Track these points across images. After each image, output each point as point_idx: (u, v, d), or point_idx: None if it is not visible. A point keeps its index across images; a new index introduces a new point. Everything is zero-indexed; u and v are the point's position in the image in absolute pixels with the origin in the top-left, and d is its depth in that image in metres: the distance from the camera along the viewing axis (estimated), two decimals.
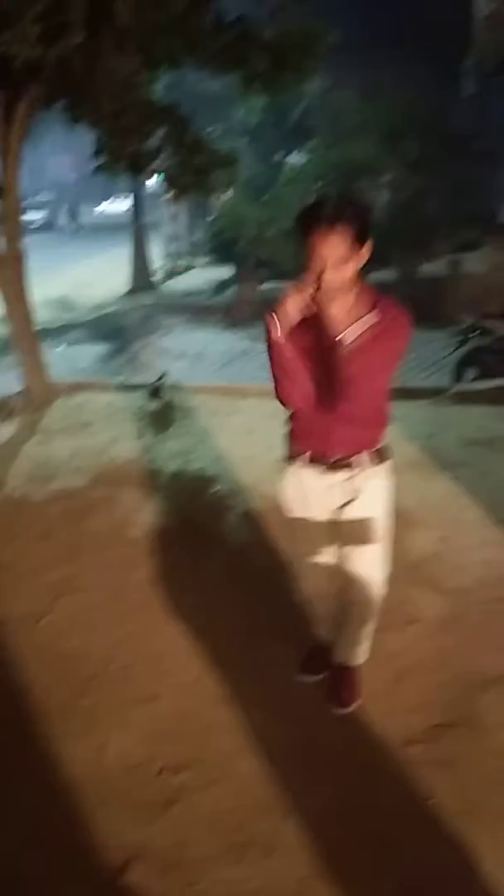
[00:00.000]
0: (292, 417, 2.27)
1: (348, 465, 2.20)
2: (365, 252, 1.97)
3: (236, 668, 2.65)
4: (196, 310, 12.88)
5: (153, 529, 3.72)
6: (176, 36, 4.84)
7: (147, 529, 3.72)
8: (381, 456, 2.24)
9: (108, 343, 10.98)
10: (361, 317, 2.01)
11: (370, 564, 2.32)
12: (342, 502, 2.24)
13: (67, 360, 9.77)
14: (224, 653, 2.74)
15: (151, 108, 5.16)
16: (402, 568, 3.24)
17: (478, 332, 6.52)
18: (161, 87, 8.19)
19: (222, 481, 4.25)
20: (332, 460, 2.20)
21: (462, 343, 6.69)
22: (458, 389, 5.85)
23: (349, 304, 2.03)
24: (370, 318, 2.00)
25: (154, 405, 5.24)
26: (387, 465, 2.27)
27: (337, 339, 2.01)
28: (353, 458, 2.19)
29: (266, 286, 11.80)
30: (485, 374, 6.34)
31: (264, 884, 1.87)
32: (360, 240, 1.92)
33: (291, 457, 2.29)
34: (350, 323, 2.02)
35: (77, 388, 6.34)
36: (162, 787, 2.18)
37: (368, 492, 2.23)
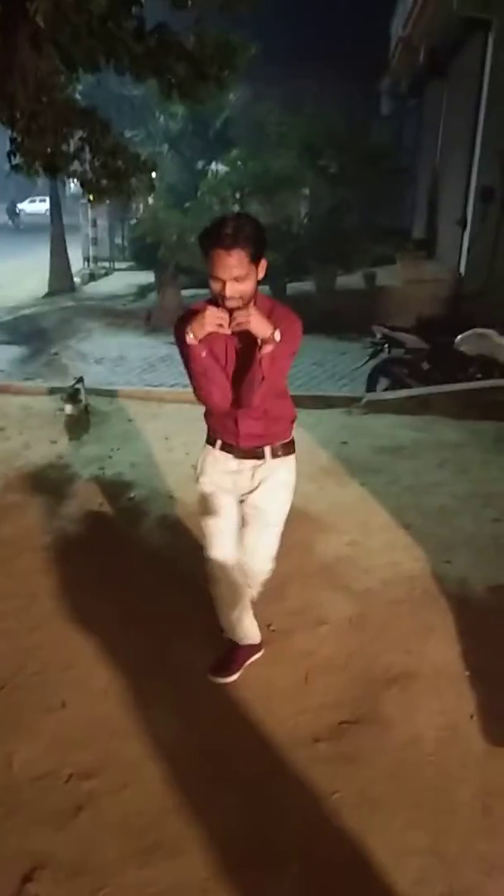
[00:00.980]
0: (207, 412, 2.49)
1: (256, 456, 2.45)
2: (261, 269, 2.18)
3: (147, 674, 2.66)
4: (116, 314, 12.76)
5: (66, 536, 3.68)
6: (95, 39, 4.81)
7: (61, 536, 3.67)
8: (286, 449, 2.50)
9: (24, 345, 10.72)
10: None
11: (264, 545, 2.58)
12: (248, 488, 2.49)
13: None
14: (135, 659, 2.74)
15: (69, 109, 5.09)
16: (314, 571, 3.36)
17: (389, 344, 6.75)
18: (82, 89, 8.11)
19: (139, 487, 4.24)
20: (242, 449, 2.44)
21: (374, 355, 6.91)
22: (370, 399, 6.04)
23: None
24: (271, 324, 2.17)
25: (70, 409, 5.17)
26: (291, 458, 2.53)
27: (253, 342, 2.16)
28: (260, 449, 2.44)
29: (186, 293, 11.82)
30: (395, 385, 6.58)
31: (170, 885, 1.89)
32: (255, 259, 2.13)
33: (208, 441, 2.54)
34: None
35: None
36: (70, 795, 2.16)
37: (272, 480, 2.49)
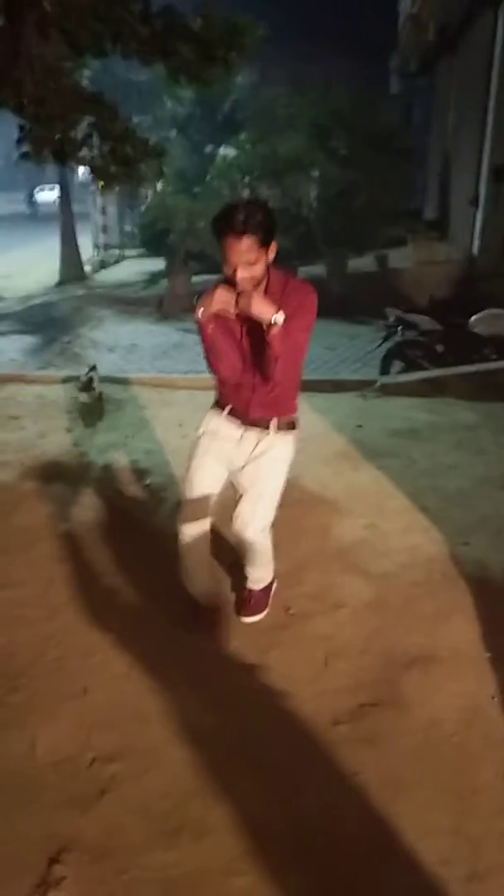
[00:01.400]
0: (219, 381, 2.60)
1: (263, 426, 2.55)
2: (271, 252, 2.28)
3: (167, 659, 2.67)
4: (127, 302, 12.75)
5: (83, 523, 3.69)
6: (102, 23, 4.77)
7: (78, 524, 3.68)
8: (290, 425, 2.60)
9: (37, 334, 10.74)
10: (276, 301, 2.27)
11: (259, 517, 2.61)
12: (246, 457, 2.59)
13: None
14: (154, 644, 2.75)
15: (77, 95, 5.08)
16: (331, 555, 3.36)
17: (402, 326, 6.70)
18: (89, 74, 8.06)
19: (154, 474, 4.25)
20: (251, 418, 2.55)
21: (388, 337, 6.86)
22: (384, 382, 6.01)
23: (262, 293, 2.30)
24: (283, 300, 2.27)
25: (84, 398, 5.17)
26: (292, 434, 2.63)
27: (266, 322, 2.23)
28: (267, 420, 2.54)
29: (197, 278, 11.78)
30: (409, 367, 6.54)
31: (194, 867, 1.90)
32: (265, 244, 2.23)
33: (217, 404, 2.65)
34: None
35: (5, 380, 6.20)
36: (93, 778, 2.18)
37: (271, 453, 2.58)
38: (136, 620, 2.90)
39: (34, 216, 29.85)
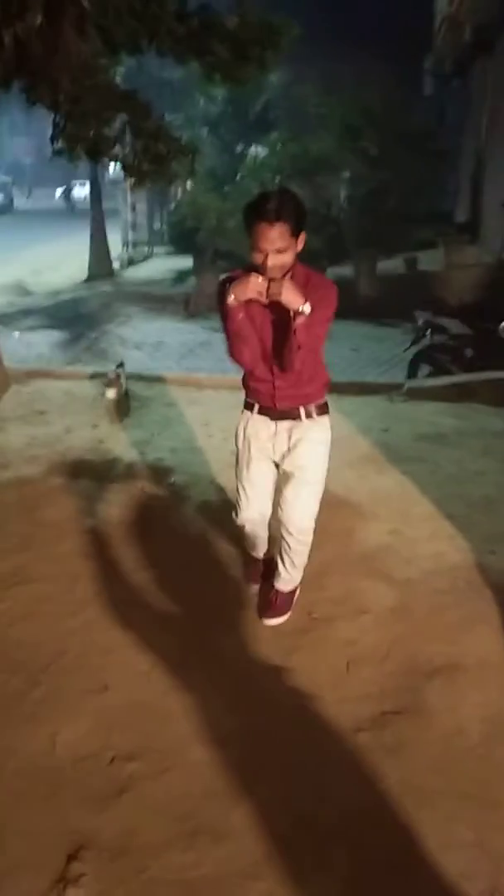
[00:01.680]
0: (246, 376, 2.65)
1: (292, 416, 2.59)
2: (300, 242, 2.34)
3: (188, 658, 2.67)
4: (155, 299, 12.79)
5: (108, 520, 3.70)
6: (138, 21, 4.78)
7: (103, 520, 3.70)
8: (320, 409, 2.64)
9: (65, 330, 10.82)
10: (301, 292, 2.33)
11: (304, 505, 2.68)
12: (285, 448, 2.64)
13: (23, 346, 9.61)
14: (177, 643, 2.75)
15: (111, 93, 5.09)
16: (355, 559, 3.33)
17: (431, 330, 6.63)
18: (123, 71, 8.09)
19: (179, 472, 4.25)
20: (278, 411, 2.59)
21: (416, 341, 6.80)
22: (411, 386, 5.96)
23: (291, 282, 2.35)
24: (307, 292, 2.31)
25: (111, 394, 5.20)
26: (326, 418, 2.67)
27: (292, 311, 2.30)
28: (296, 410, 2.59)
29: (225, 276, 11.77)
30: (437, 372, 6.47)
31: (213, 870, 1.90)
32: (295, 233, 2.29)
33: (246, 406, 2.70)
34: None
35: (33, 375, 6.25)
36: (113, 776, 2.19)
37: (308, 439, 2.62)
38: (158, 619, 2.91)
39: (71, 211, 30.02)
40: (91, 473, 4.21)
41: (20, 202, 34.13)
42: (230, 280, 2.38)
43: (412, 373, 6.68)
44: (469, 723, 2.37)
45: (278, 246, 2.26)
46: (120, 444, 4.68)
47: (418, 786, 2.13)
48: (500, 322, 6.38)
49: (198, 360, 8.85)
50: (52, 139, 5.09)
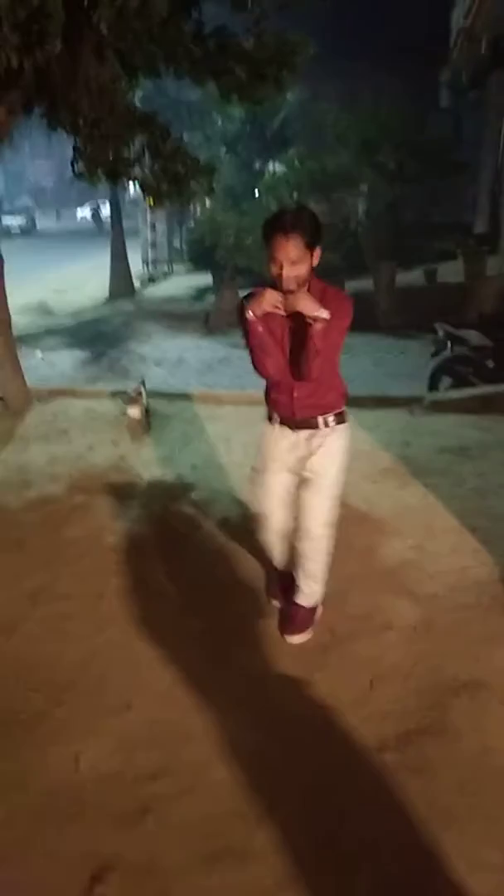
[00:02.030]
0: (268, 388, 2.73)
1: (311, 426, 2.66)
2: (315, 256, 2.42)
3: (210, 677, 2.66)
4: (175, 317, 12.90)
5: (130, 537, 3.72)
6: (156, 44, 4.86)
7: (124, 537, 3.71)
8: (338, 419, 2.70)
9: (87, 349, 10.94)
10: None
11: (319, 511, 2.73)
12: (304, 456, 2.69)
13: (46, 365, 9.73)
14: (198, 661, 2.74)
15: (130, 115, 5.17)
16: (377, 575, 3.30)
17: (452, 342, 6.60)
18: (141, 93, 8.21)
19: (200, 489, 4.26)
20: (297, 421, 2.66)
21: (437, 353, 6.77)
22: (432, 398, 5.92)
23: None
24: (324, 303, 2.41)
25: (132, 412, 5.23)
26: (344, 426, 2.73)
27: (307, 322, 2.41)
28: (314, 419, 2.66)
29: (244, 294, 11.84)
30: (458, 383, 6.43)
31: (236, 892, 1.88)
32: (310, 246, 2.38)
33: (269, 419, 2.77)
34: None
35: (55, 394, 6.32)
36: (136, 796, 2.18)
37: (327, 447, 2.69)
38: (180, 636, 2.90)
39: (100, 230, 30.29)
40: (113, 491, 4.24)
41: (45, 223, 34.69)
42: (249, 297, 2.49)
43: (433, 385, 6.64)
44: (496, 741, 2.32)
45: (293, 257, 2.35)
46: (141, 461, 4.70)
47: (444, 807, 2.09)
48: None
49: (218, 377, 8.89)
50: (73, 162, 5.18)
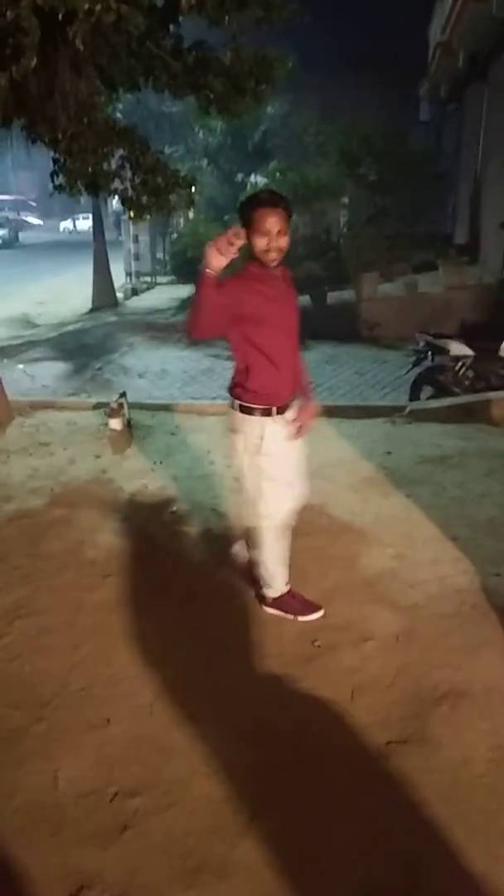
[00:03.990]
0: (252, 379, 2.68)
1: (293, 404, 2.78)
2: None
3: (191, 690, 2.65)
4: (158, 328, 12.88)
5: (111, 550, 3.70)
6: (135, 59, 4.88)
7: (105, 550, 3.69)
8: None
9: (69, 361, 10.90)
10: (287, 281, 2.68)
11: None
12: (292, 440, 2.80)
13: (28, 378, 9.68)
14: (180, 675, 2.73)
15: (110, 129, 5.18)
16: (358, 585, 3.31)
17: (433, 351, 6.65)
18: (121, 107, 8.24)
19: (181, 500, 4.25)
20: (289, 402, 2.75)
21: (418, 363, 6.82)
22: (413, 408, 5.96)
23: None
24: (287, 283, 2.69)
25: (114, 424, 5.22)
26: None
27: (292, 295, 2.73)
28: (293, 400, 2.79)
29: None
30: (439, 393, 6.48)
31: None
32: (289, 219, 2.55)
33: (265, 413, 2.70)
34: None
35: (36, 406, 6.29)
36: (115, 813, 2.16)
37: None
38: (161, 650, 2.88)
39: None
40: (94, 504, 4.21)
41: (28, 235, 34.61)
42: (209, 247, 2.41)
43: (414, 395, 6.69)
44: (476, 751, 2.33)
45: (280, 227, 2.50)
46: (123, 473, 4.68)
47: (426, 817, 2.09)
48: (501, 342, 6.40)
49: (201, 388, 8.89)
50: (53, 175, 5.18)
